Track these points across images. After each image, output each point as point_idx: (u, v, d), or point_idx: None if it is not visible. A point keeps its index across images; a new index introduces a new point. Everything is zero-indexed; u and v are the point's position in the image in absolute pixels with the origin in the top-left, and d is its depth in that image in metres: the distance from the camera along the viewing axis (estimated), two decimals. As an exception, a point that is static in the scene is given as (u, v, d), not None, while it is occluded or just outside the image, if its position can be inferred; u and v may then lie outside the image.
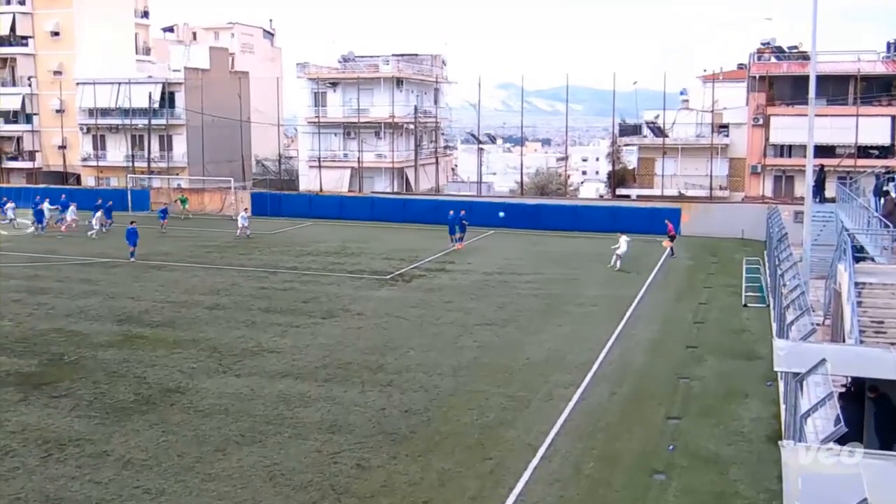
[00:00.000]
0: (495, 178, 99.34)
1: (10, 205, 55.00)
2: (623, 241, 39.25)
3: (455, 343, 25.67)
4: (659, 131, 61.82)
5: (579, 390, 20.92)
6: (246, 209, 53.38)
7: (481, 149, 74.76)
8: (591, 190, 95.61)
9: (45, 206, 52.64)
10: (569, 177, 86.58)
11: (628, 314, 29.60)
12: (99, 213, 50.01)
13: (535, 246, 46.59)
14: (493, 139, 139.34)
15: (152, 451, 17.03)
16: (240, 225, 48.84)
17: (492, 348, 25.08)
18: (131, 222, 42.63)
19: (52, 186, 66.44)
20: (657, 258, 41.82)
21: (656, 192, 59.77)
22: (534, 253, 44.20)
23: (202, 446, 17.28)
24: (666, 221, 44.96)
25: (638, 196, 59.95)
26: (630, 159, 70.44)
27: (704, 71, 72.19)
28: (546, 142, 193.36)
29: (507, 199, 63.18)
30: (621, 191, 63.18)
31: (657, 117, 62.79)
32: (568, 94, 67.74)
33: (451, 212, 45.09)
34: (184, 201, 60.23)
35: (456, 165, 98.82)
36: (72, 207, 52.72)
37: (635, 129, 65.96)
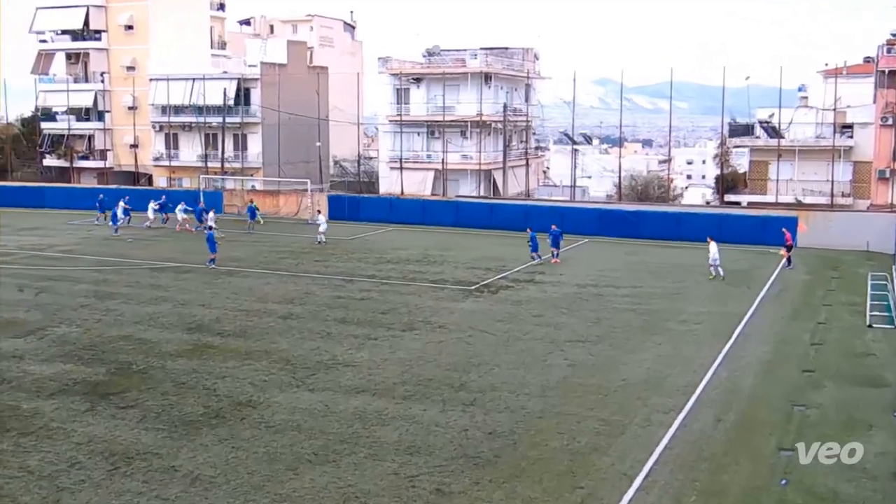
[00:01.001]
0: (590, 182, 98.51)
1: (121, 204, 57.35)
2: (713, 247, 39.01)
3: (544, 360, 25.54)
4: (774, 132, 60.40)
5: (681, 416, 20.57)
6: (320, 211, 54.22)
7: (576, 150, 74.10)
8: (697, 196, 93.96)
9: (150, 205, 56.97)
10: (672, 181, 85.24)
11: (737, 333, 28.99)
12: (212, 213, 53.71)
13: (634, 256, 46.05)
14: (588, 139, 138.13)
15: (221, 467, 17.41)
16: (321, 230, 49.52)
17: (584, 367, 24.88)
18: (208, 228, 43.97)
19: (122, 187, 68.71)
20: (770, 272, 40.87)
21: (770, 198, 58.39)
22: (632, 264, 43.69)
23: (273, 464, 17.59)
24: (783, 231, 44.01)
25: (749, 203, 58.67)
26: (741, 162, 69.01)
27: (826, 65, 70.27)
28: (647, 143, 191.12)
29: (603, 204, 62.65)
30: (730, 197, 61.92)
31: (772, 116, 61.34)
32: (672, 91, 66.76)
33: (554, 226, 44.55)
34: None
35: (548, 168, 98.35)
36: (181, 206, 56.09)
37: (747, 130, 64.58)
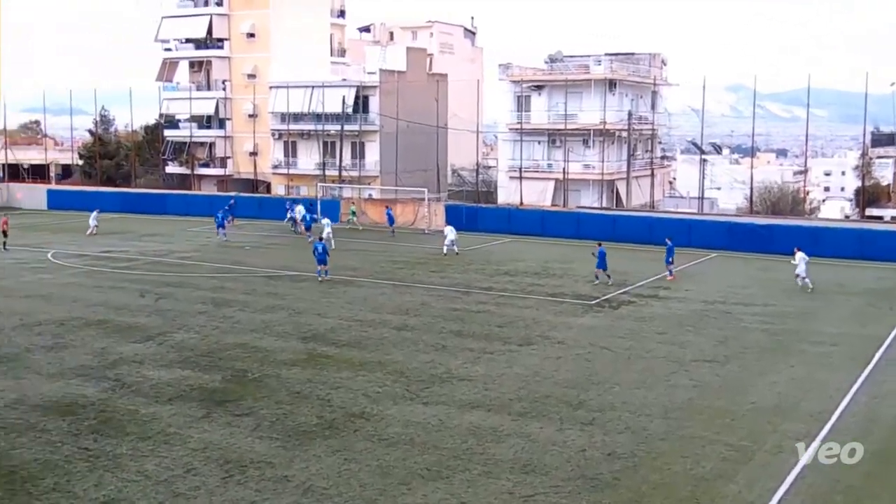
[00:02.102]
0: (719, 194, 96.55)
1: (298, 207, 59.97)
2: (800, 258, 38.58)
3: (667, 380, 25.09)
4: (922, 141, 58.04)
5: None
6: (448, 224, 54.10)
7: (704, 160, 72.77)
8: (835, 209, 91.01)
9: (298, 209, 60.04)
10: (808, 193, 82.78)
11: (877, 357, 27.83)
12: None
13: (765, 272, 44.81)
14: (718, 149, 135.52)
15: (334, 479, 17.71)
16: (447, 240, 49.76)
17: (710, 389, 24.33)
18: (320, 238, 44.90)
19: (242, 194, 70.84)
20: (915, 292, 39.17)
21: (917, 213, 56.10)
22: (763, 280, 42.51)
23: (386, 478, 17.79)
24: None
25: (893, 217, 56.45)
26: (884, 174, 66.57)
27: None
28: (781, 153, 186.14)
29: (734, 217, 61.21)
30: (872, 211, 59.80)
31: (920, 125, 58.96)
32: (809, 98, 64.84)
33: (669, 240, 43.71)
34: (353, 213, 62.85)
35: (674, 178, 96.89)
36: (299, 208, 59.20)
37: (891, 139, 62.23)
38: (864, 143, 64.93)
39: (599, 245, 41.45)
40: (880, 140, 62.90)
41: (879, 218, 57.38)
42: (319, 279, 40.76)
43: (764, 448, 19.66)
